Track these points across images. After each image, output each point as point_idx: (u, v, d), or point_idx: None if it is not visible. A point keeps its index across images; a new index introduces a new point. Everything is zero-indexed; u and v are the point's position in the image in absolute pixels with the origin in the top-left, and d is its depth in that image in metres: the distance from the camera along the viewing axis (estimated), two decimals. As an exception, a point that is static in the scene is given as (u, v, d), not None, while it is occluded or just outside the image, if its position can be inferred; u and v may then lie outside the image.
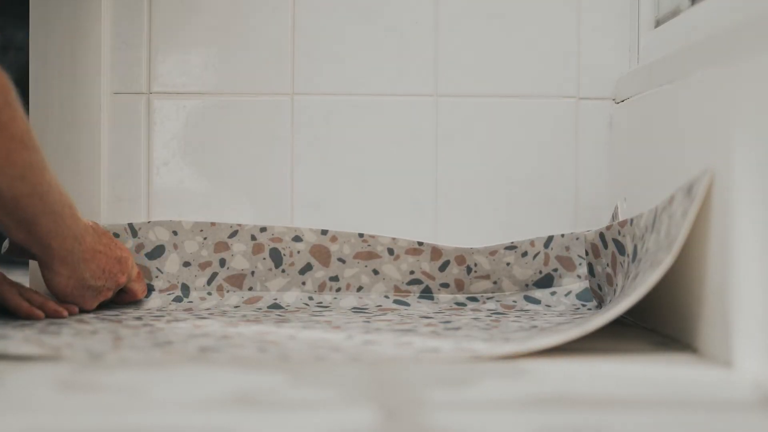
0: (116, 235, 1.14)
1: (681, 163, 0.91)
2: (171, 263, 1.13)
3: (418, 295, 1.14)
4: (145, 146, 1.22)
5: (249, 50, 1.22)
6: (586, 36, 1.22)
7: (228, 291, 1.14)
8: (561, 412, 0.63)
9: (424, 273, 1.13)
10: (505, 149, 1.23)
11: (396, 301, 1.14)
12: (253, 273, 1.12)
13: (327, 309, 1.12)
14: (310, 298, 1.15)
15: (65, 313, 1.04)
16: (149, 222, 1.10)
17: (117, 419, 0.62)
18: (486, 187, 1.23)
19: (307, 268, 1.11)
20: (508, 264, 1.14)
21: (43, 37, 1.18)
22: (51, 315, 1.03)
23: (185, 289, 1.14)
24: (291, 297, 1.15)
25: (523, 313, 1.09)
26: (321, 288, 1.14)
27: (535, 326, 0.97)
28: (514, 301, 1.15)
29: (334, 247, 1.10)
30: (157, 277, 1.14)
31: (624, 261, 0.98)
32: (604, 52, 1.22)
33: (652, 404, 0.66)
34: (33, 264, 1.15)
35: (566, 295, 1.15)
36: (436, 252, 1.12)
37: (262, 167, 1.22)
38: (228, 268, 1.13)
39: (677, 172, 0.91)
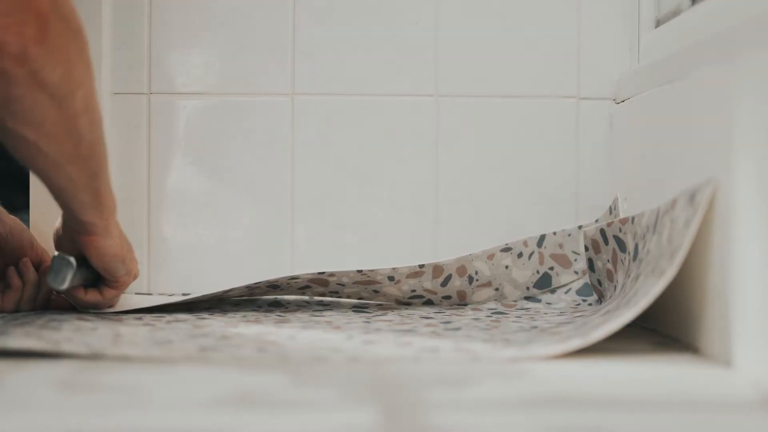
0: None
1: (681, 164, 0.91)
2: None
3: (418, 306, 1.14)
4: (145, 146, 1.22)
5: (249, 50, 1.22)
6: (587, 36, 1.22)
7: (229, 299, 1.14)
8: (561, 412, 0.63)
9: (426, 290, 1.12)
10: (506, 149, 1.23)
11: (396, 301, 1.14)
12: (251, 294, 1.13)
13: (327, 308, 1.12)
14: (311, 297, 1.15)
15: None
16: (135, 309, 1.09)
17: (117, 419, 0.62)
18: (486, 187, 1.23)
19: (306, 287, 1.11)
20: (507, 267, 1.14)
21: (44, 37, 1.18)
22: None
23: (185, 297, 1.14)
24: (291, 296, 1.15)
25: (523, 312, 1.09)
26: (321, 297, 1.14)
27: (535, 327, 0.97)
28: (515, 300, 1.14)
29: (332, 279, 1.09)
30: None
31: (625, 258, 0.98)
32: (605, 52, 1.22)
33: (653, 404, 0.66)
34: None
35: (566, 292, 1.15)
36: (437, 269, 1.11)
37: (263, 167, 1.22)
38: (226, 298, 1.13)
39: (678, 172, 0.91)
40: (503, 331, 0.94)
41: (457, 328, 0.96)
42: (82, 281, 1.03)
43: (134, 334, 0.91)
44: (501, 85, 1.23)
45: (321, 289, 1.12)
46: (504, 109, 1.23)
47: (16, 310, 1.06)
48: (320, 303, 1.15)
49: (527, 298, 1.15)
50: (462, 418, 0.62)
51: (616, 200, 1.16)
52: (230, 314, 1.07)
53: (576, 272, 1.15)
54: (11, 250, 1.07)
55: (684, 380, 0.74)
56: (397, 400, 0.67)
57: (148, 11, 1.22)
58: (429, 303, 1.14)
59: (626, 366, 0.79)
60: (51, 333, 0.89)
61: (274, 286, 1.10)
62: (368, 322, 1.01)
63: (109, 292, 1.05)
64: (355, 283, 1.10)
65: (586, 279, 1.15)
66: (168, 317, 1.04)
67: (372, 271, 1.09)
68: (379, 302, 1.15)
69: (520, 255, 1.15)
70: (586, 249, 1.08)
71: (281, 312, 1.09)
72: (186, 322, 1.00)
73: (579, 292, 1.15)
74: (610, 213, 1.16)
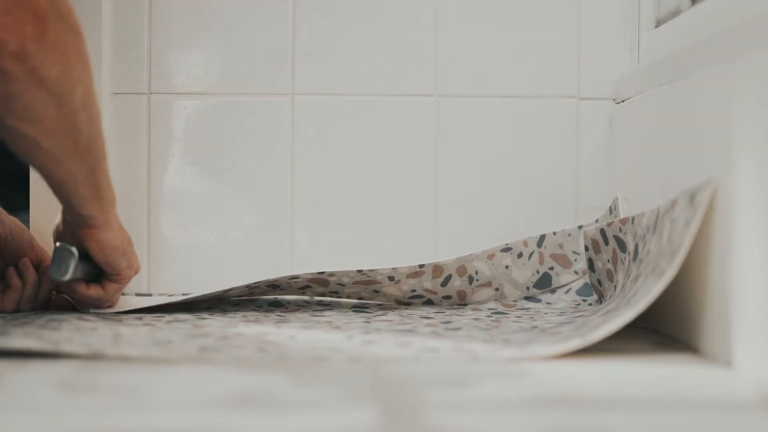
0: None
1: (681, 164, 0.91)
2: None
3: (418, 306, 1.14)
4: (145, 146, 1.22)
5: (249, 50, 1.22)
6: (587, 36, 1.22)
7: (229, 299, 1.14)
8: (561, 413, 0.63)
9: (426, 290, 1.12)
10: (506, 149, 1.23)
11: (397, 301, 1.14)
12: (251, 294, 1.12)
13: (327, 308, 1.12)
14: (311, 297, 1.15)
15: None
16: (135, 309, 1.09)
17: (117, 419, 0.62)
18: (486, 187, 1.23)
19: (306, 287, 1.11)
20: (507, 267, 1.14)
21: (44, 37, 1.18)
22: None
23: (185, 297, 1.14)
24: (291, 296, 1.15)
25: (523, 312, 1.09)
26: (321, 297, 1.14)
27: (535, 327, 0.97)
28: (515, 300, 1.14)
29: (332, 279, 1.09)
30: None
31: (625, 258, 0.98)
32: (605, 52, 1.22)
33: (653, 404, 0.66)
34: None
35: (566, 292, 1.15)
36: (437, 270, 1.11)
37: (263, 167, 1.22)
38: (226, 298, 1.13)
39: (678, 172, 0.91)
40: (503, 331, 0.94)
41: (457, 328, 0.96)
42: (83, 275, 1.03)
43: (134, 334, 0.91)
44: (501, 85, 1.23)
45: (321, 289, 1.12)
46: (504, 109, 1.23)
47: (16, 311, 1.06)
48: (320, 303, 1.15)
49: (527, 298, 1.15)
50: (462, 418, 0.62)
51: (616, 200, 1.16)
52: (230, 314, 1.07)
53: (576, 272, 1.15)
54: (11, 250, 1.07)
55: (684, 380, 0.74)
56: (397, 400, 0.67)
57: (148, 11, 1.22)
58: (429, 303, 1.14)
59: (626, 366, 0.79)
60: (51, 333, 0.89)
61: (274, 286, 1.10)
62: (368, 322, 1.01)
63: (111, 287, 1.05)
64: (356, 283, 1.10)
65: (586, 279, 1.15)
66: (168, 317, 1.04)
67: (372, 271, 1.08)
68: (379, 302, 1.15)
69: (520, 255, 1.15)
70: (586, 249, 1.08)
71: (281, 312, 1.09)
72: (186, 322, 1.00)
73: (579, 292, 1.15)
74: (610, 213, 1.16)
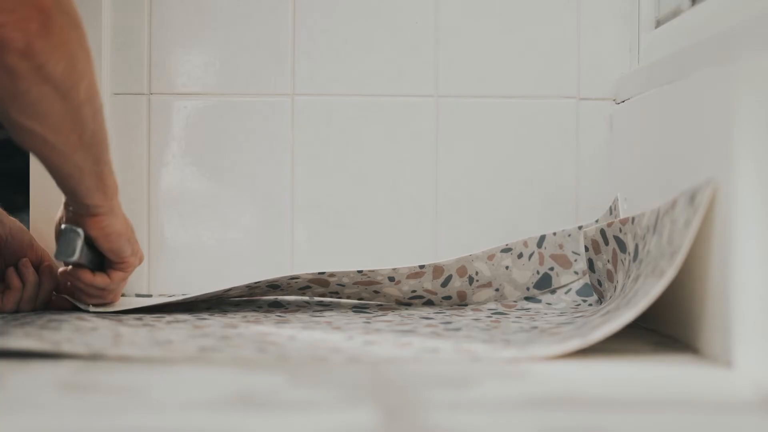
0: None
1: (681, 164, 0.91)
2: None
3: (418, 306, 1.14)
4: (145, 146, 1.22)
5: (249, 50, 1.22)
6: (586, 36, 1.22)
7: (229, 299, 1.14)
8: (561, 413, 0.63)
9: (426, 290, 1.12)
10: (506, 149, 1.23)
11: (397, 302, 1.14)
12: (251, 294, 1.12)
13: (327, 309, 1.12)
14: (312, 297, 1.15)
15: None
16: (134, 308, 1.09)
17: (117, 419, 0.62)
18: (486, 188, 1.23)
19: (306, 287, 1.11)
20: (507, 267, 1.14)
21: (44, 37, 1.18)
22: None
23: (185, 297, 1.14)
24: (291, 297, 1.15)
25: (523, 312, 1.09)
26: (321, 298, 1.14)
27: (535, 327, 0.97)
28: (515, 300, 1.14)
29: (332, 279, 1.09)
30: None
31: (625, 259, 0.98)
32: (605, 52, 1.22)
33: (653, 404, 0.66)
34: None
35: (566, 292, 1.15)
36: (437, 270, 1.11)
37: (263, 167, 1.22)
38: (226, 298, 1.13)
39: (678, 172, 0.91)
40: (503, 332, 0.94)
41: (457, 329, 0.96)
42: (88, 262, 1.04)
43: (134, 334, 0.91)
44: (501, 85, 1.23)
45: (321, 290, 1.12)
46: (504, 109, 1.23)
47: (17, 311, 1.06)
48: (320, 303, 1.15)
49: (527, 299, 1.15)
50: (462, 418, 0.62)
51: (616, 200, 1.16)
52: (230, 314, 1.07)
53: (576, 272, 1.15)
54: (11, 251, 1.07)
55: (684, 380, 0.74)
56: (397, 400, 0.67)
57: (148, 11, 1.22)
58: (429, 303, 1.14)
59: (626, 366, 0.79)
60: (51, 333, 0.89)
61: (274, 286, 1.10)
62: (368, 322, 1.01)
63: (116, 275, 1.06)
64: (356, 283, 1.10)
65: (586, 279, 1.15)
66: (168, 317, 1.04)
67: (372, 271, 1.08)
68: (379, 303, 1.15)
69: (520, 255, 1.15)
70: (586, 249, 1.08)
71: (281, 312, 1.09)
72: (186, 322, 1.00)
73: (579, 293, 1.15)
74: (610, 213, 1.16)
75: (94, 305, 1.09)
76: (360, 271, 1.08)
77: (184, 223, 1.23)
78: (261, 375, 0.74)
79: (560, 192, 1.22)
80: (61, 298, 1.09)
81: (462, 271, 1.12)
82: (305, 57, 1.22)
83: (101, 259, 1.05)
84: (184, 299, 1.09)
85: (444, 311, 1.10)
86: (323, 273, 1.08)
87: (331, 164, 1.22)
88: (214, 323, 0.99)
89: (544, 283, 1.15)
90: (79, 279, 1.05)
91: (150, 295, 1.22)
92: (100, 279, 1.05)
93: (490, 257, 1.13)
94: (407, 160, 1.23)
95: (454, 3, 1.22)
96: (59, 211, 1.04)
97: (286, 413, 0.63)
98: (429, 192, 1.23)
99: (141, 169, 1.22)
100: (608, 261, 1.03)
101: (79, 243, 1.00)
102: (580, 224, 1.17)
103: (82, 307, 1.08)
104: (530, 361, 0.79)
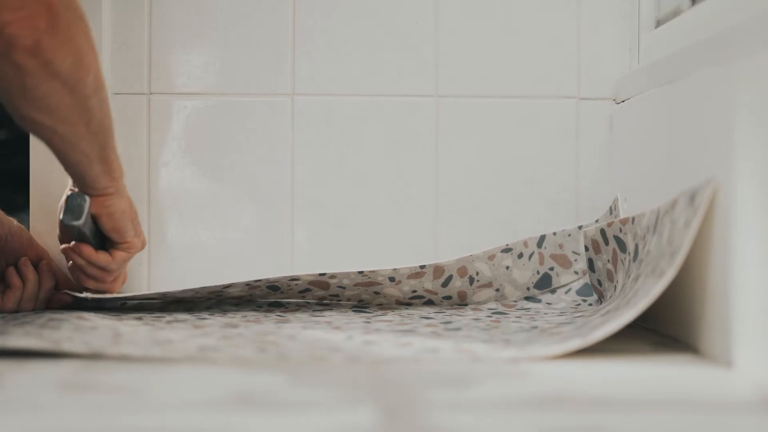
0: (100, 300, 1.11)
1: (681, 164, 0.91)
2: (166, 300, 1.12)
3: (418, 306, 1.14)
4: (145, 146, 1.22)
5: (249, 50, 1.22)
6: (586, 36, 1.22)
7: (229, 298, 1.13)
8: (561, 413, 0.63)
9: (426, 290, 1.12)
10: (506, 149, 1.23)
11: (397, 302, 1.14)
12: (251, 296, 1.12)
13: (327, 308, 1.12)
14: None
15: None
16: (133, 294, 1.09)
17: (117, 419, 0.62)
18: (486, 188, 1.23)
19: (306, 290, 1.11)
20: (507, 268, 1.14)
21: (44, 37, 1.18)
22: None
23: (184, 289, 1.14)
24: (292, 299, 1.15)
25: (523, 312, 1.09)
26: (321, 300, 1.14)
27: (535, 327, 0.97)
28: (515, 301, 1.14)
29: (333, 281, 1.09)
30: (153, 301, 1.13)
31: (625, 258, 0.98)
32: (605, 52, 1.22)
33: (653, 404, 0.66)
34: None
35: (566, 292, 1.15)
36: (438, 270, 1.11)
37: (263, 167, 1.22)
38: (225, 297, 1.12)
39: (678, 172, 0.91)
40: (503, 332, 0.94)
41: (457, 329, 0.96)
42: (92, 237, 1.05)
43: (134, 333, 0.91)
44: (501, 85, 1.23)
45: (321, 293, 1.12)
46: (504, 109, 1.23)
47: (17, 310, 1.07)
48: (320, 303, 1.15)
49: (527, 299, 1.15)
50: (462, 418, 0.62)
51: (616, 200, 1.16)
52: (230, 314, 1.07)
53: (576, 272, 1.15)
54: (11, 250, 1.08)
55: (684, 380, 0.74)
56: (397, 400, 0.67)
57: (148, 11, 1.22)
58: (429, 303, 1.14)
59: (626, 366, 0.79)
60: (51, 332, 0.89)
61: (274, 287, 1.10)
62: (368, 322, 1.01)
63: (118, 254, 1.06)
64: (356, 285, 1.10)
65: (586, 279, 1.15)
66: (168, 317, 1.04)
67: (373, 272, 1.08)
68: (380, 303, 1.15)
69: (520, 255, 1.15)
70: (586, 249, 1.08)
71: (281, 312, 1.09)
72: (186, 321, 1.00)
73: (579, 292, 1.15)
74: (610, 213, 1.16)
75: (93, 292, 1.08)
76: (360, 272, 1.08)
77: (184, 223, 1.23)
78: (261, 375, 0.74)
79: (560, 192, 1.22)
80: (62, 294, 1.09)
81: (462, 271, 1.12)
82: (305, 57, 1.22)
83: (104, 243, 1.07)
84: (183, 291, 1.09)
85: (444, 311, 1.10)
86: (324, 274, 1.08)
87: (331, 164, 1.22)
88: (214, 323, 0.99)
89: (544, 283, 1.15)
90: (81, 254, 1.06)
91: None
92: (102, 257, 1.06)
93: (491, 257, 1.13)
94: (407, 160, 1.23)
95: (454, 3, 1.22)
96: (65, 194, 1.05)
97: (286, 413, 0.63)
98: (429, 192, 1.23)
99: (141, 169, 1.22)
100: (608, 261, 1.03)
101: (86, 207, 1.02)
102: (580, 224, 1.17)
103: (82, 296, 1.08)
104: (530, 361, 0.79)
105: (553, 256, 1.15)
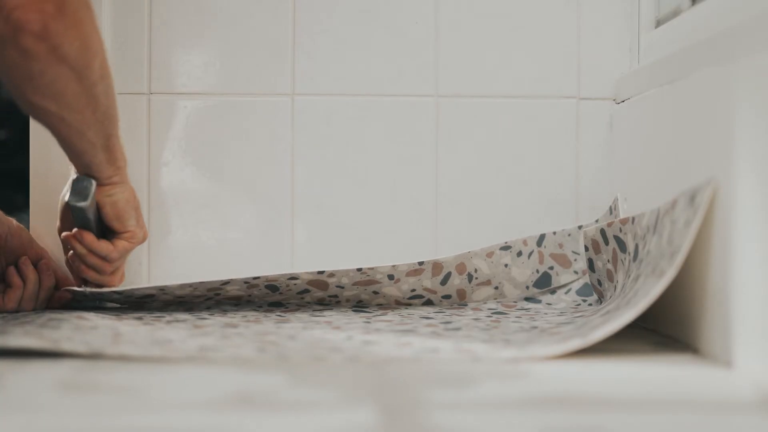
0: (99, 294, 1.11)
1: (681, 164, 0.91)
2: (165, 299, 1.12)
3: (418, 306, 1.14)
4: (145, 146, 1.22)
5: (249, 50, 1.22)
6: (587, 36, 1.22)
7: (227, 291, 1.13)
8: (561, 413, 0.63)
9: (425, 289, 1.12)
10: (506, 149, 1.23)
11: (396, 302, 1.14)
12: (249, 296, 1.12)
13: (327, 308, 1.12)
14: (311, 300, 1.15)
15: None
16: (131, 288, 1.09)
17: (117, 419, 0.62)
18: (486, 188, 1.23)
19: (304, 291, 1.11)
20: (506, 266, 1.14)
21: (44, 37, 1.18)
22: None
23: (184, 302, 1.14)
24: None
25: (524, 312, 1.09)
26: (320, 302, 1.14)
27: (535, 327, 0.97)
28: (515, 301, 1.14)
29: (331, 281, 1.09)
30: (152, 302, 1.13)
31: (625, 258, 0.98)
32: (605, 52, 1.22)
33: (653, 404, 0.66)
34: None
35: (566, 292, 1.15)
36: (437, 267, 1.11)
37: (263, 167, 1.22)
38: (224, 296, 1.12)
39: (678, 172, 0.91)
40: (503, 332, 0.94)
41: (457, 328, 0.96)
42: (94, 225, 1.05)
43: (134, 333, 0.91)
44: (501, 85, 1.23)
45: (320, 294, 1.12)
46: (504, 109, 1.23)
47: (18, 309, 1.07)
48: (320, 303, 1.15)
49: (527, 299, 1.15)
50: (462, 418, 0.62)
51: (616, 200, 1.16)
52: (230, 314, 1.07)
53: (576, 272, 1.15)
54: (11, 249, 1.08)
55: (684, 380, 0.74)
56: (397, 400, 0.67)
57: (148, 11, 1.22)
58: (429, 303, 1.14)
59: (626, 366, 0.79)
60: (51, 332, 0.89)
61: (273, 288, 1.10)
62: (368, 322, 1.01)
63: (120, 244, 1.06)
64: (355, 284, 1.10)
65: (586, 279, 1.15)
66: (168, 317, 1.04)
67: (372, 269, 1.08)
68: (379, 303, 1.14)
69: (519, 254, 1.15)
70: (586, 249, 1.08)
71: (281, 312, 1.09)
72: (186, 322, 1.00)
73: (579, 292, 1.15)
74: (610, 213, 1.16)
75: (92, 285, 1.08)
76: (359, 269, 1.08)
77: (184, 223, 1.23)
78: (261, 375, 0.74)
79: (560, 192, 1.22)
80: (63, 293, 1.09)
81: (461, 268, 1.12)
82: (305, 57, 1.22)
83: (106, 234, 1.07)
84: (180, 285, 1.08)
85: (444, 311, 1.10)
86: (323, 272, 1.08)
87: (331, 164, 1.22)
88: (214, 323, 0.99)
89: (544, 281, 1.15)
90: (83, 241, 1.05)
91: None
92: (104, 245, 1.06)
93: (489, 254, 1.13)
94: (407, 160, 1.23)
95: (454, 3, 1.22)
96: (66, 184, 1.06)
97: (286, 413, 0.63)
98: (429, 192, 1.23)
99: (141, 169, 1.22)
100: (608, 261, 1.03)
101: (92, 189, 1.02)
102: (580, 224, 1.17)
103: (80, 289, 1.08)
104: (530, 361, 0.79)
105: (553, 256, 1.15)
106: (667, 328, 0.92)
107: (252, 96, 1.23)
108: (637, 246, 0.94)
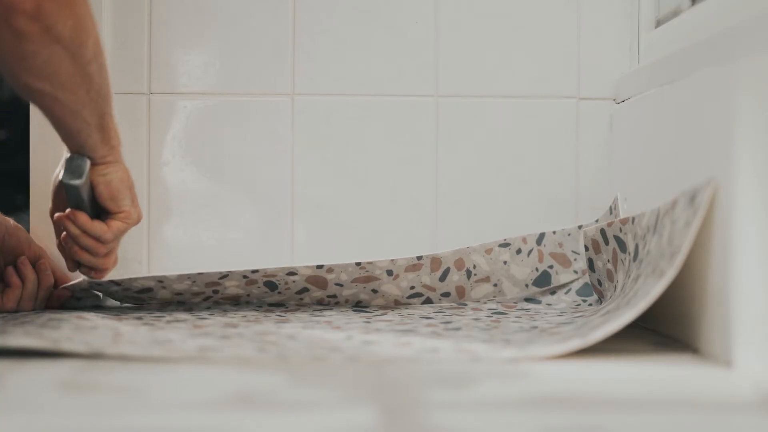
0: (97, 284, 1.11)
1: (681, 164, 0.91)
2: (163, 294, 1.12)
3: (418, 306, 1.14)
4: (145, 146, 1.22)
5: (249, 50, 1.22)
6: (586, 36, 1.22)
7: (228, 303, 1.13)
8: (561, 413, 0.63)
9: (424, 286, 1.12)
10: (506, 149, 1.23)
11: (396, 303, 1.14)
12: (248, 295, 1.12)
13: (327, 308, 1.12)
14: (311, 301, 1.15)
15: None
16: (129, 278, 1.09)
17: (117, 419, 0.62)
18: (486, 188, 1.23)
19: (303, 290, 1.11)
20: (505, 263, 1.14)
21: (44, 37, 1.18)
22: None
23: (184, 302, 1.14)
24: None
25: (524, 312, 1.09)
26: (319, 303, 1.14)
27: (535, 327, 0.97)
28: (515, 302, 1.14)
29: (330, 276, 1.09)
30: (150, 300, 1.13)
31: (625, 258, 0.98)
32: (605, 52, 1.22)
33: (653, 404, 0.66)
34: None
35: (566, 292, 1.15)
36: (435, 262, 1.11)
37: (263, 167, 1.22)
38: (222, 294, 1.12)
39: (678, 172, 0.91)
40: (503, 332, 0.94)
41: (457, 328, 0.96)
42: (89, 205, 1.03)
43: (134, 333, 0.91)
44: (501, 85, 1.23)
45: (319, 293, 1.12)
46: (504, 109, 1.23)
47: (17, 309, 1.07)
48: (320, 303, 1.15)
49: (527, 300, 1.15)
50: (462, 418, 0.62)
51: (616, 200, 1.16)
52: (230, 314, 1.07)
53: (575, 272, 1.15)
54: (10, 248, 1.08)
55: (684, 380, 0.74)
56: (397, 400, 0.67)
57: (148, 11, 1.22)
58: (428, 301, 1.14)
59: (626, 366, 0.79)
60: (51, 332, 0.89)
61: (272, 285, 1.10)
62: (368, 322, 1.01)
63: (114, 224, 1.04)
64: (354, 281, 1.10)
65: (586, 279, 1.15)
66: (168, 317, 1.04)
67: (370, 263, 1.09)
68: (379, 303, 1.14)
69: (519, 251, 1.15)
70: (586, 249, 1.08)
71: (281, 312, 1.09)
72: (186, 321, 1.00)
73: (579, 293, 1.15)
74: (610, 213, 1.16)
75: (86, 268, 1.07)
76: (358, 264, 1.08)
77: (184, 223, 1.23)
78: (261, 375, 0.74)
79: (560, 192, 1.22)
80: (61, 290, 1.09)
81: (460, 264, 1.12)
82: (305, 57, 1.22)
83: (100, 216, 1.04)
84: (179, 276, 1.08)
85: (444, 311, 1.10)
86: (321, 267, 1.08)
87: (331, 164, 1.22)
88: (214, 323, 0.99)
89: (544, 280, 1.15)
90: (76, 221, 1.03)
91: (150, 295, 1.22)
92: (98, 225, 1.03)
93: (488, 251, 1.13)
94: (407, 160, 1.23)
95: (454, 3, 1.22)
96: (60, 164, 1.05)
97: (286, 413, 0.63)
98: (429, 192, 1.23)
99: (141, 169, 1.22)
100: (608, 261, 1.03)
101: (86, 168, 1.00)
102: (580, 224, 1.17)
103: (78, 281, 1.08)
104: (530, 361, 0.79)
105: (553, 255, 1.15)
106: (667, 328, 0.92)
107: (252, 96, 1.23)
108: (637, 246, 0.94)
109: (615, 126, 1.21)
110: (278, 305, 1.13)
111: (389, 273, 1.10)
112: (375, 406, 0.65)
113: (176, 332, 0.93)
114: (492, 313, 1.08)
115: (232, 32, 1.22)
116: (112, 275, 1.10)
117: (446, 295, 1.13)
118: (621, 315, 0.84)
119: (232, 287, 1.10)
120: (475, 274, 1.13)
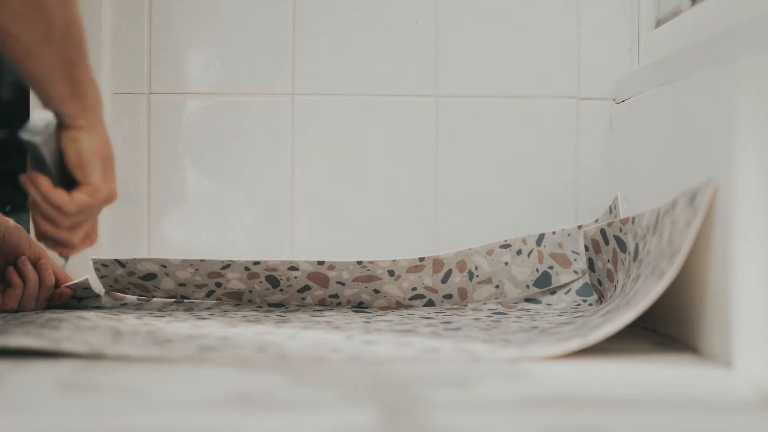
0: (104, 266, 1.10)
1: (682, 164, 0.91)
2: (166, 283, 1.12)
3: (420, 308, 1.14)
4: (145, 146, 1.22)
5: (249, 50, 1.22)
6: (587, 36, 1.22)
7: (227, 304, 1.13)
8: (561, 413, 0.63)
9: (426, 288, 1.12)
10: (506, 149, 1.23)
11: (398, 304, 1.14)
12: (251, 291, 1.12)
13: (328, 308, 1.12)
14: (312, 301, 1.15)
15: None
16: (134, 258, 1.08)
17: (117, 419, 0.62)
18: (486, 188, 1.23)
19: (305, 288, 1.11)
20: (506, 264, 1.14)
21: (44, 37, 1.18)
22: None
23: (185, 298, 1.14)
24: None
25: (524, 312, 1.09)
26: (321, 303, 1.14)
27: (535, 327, 0.97)
28: (515, 302, 1.14)
29: (332, 274, 1.09)
30: (154, 290, 1.13)
31: (625, 258, 0.98)
32: (605, 52, 1.22)
33: (652, 404, 0.66)
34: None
35: (566, 293, 1.15)
36: (437, 263, 1.11)
37: (263, 167, 1.22)
38: (225, 288, 1.12)
39: (678, 172, 0.91)
40: (503, 332, 0.94)
41: (457, 328, 0.96)
42: (54, 171, 0.93)
43: (134, 333, 0.91)
44: (501, 85, 1.23)
45: (321, 292, 1.12)
46: (504, 109, 1.23)
47: (18, 309, 1.07)
48: (321, 303, 1.15)
49: (528, 300, 1.15)
50: (462, 418, 0.62)
51: (616, 200, 1.16)
52: (230, 314, 1.07)
53: (575, 272, 1.15)
54: (10, 248, 1.07)
55: (684, 380, 0.74)
56: (397, 400, 0.67)
57: (148, 11, 1.22)
58: (431, 304, 1.14)
59: (626, 366, 0.79)
60: (51, 332, 0.89)
61: (273, 281, 1.10)
62: (368, 322, 1.01)
63: (78, 197, 0.93)
64: (355, 279, 1.10)
65: (586, 279, 1.15)
66: (168, 317, 1.04)
67: (372, 263, 1.08)
68: (380, 305, 1.14)
69: (519, 252, 1.15)
70: (586, 249, 1.08)
71: (281, 312, 1.09)
72: (186, 321, 1.00)
73: (579, 293, 1.15)
74: (610, 213, 1.16)
75: (51, 243, 0.96)
76: (359, 262, 1.08)
77: (184, 223, 1.23)
78: (261, 375, 0.74)
79: (560, 192, 1.22)
80: (62, 290, 1.09)
81: (461, 265, 1.12)
82: (305, 57, 1.22)
83: (70, 186, 0.94)
84: (183, 261, 1.08)
85: (444, 311, 1.10)
86: (322, 263, 1.08)
87: (331, 164, 1.22)
88: (214, 323, 0.99)
89: (544, 281, 1.15)
90: (36, 184, 0.93)
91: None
92: (59, 194, 0.92)
93: (489, 252, 1.13)
94: (407, 160, 1.23)
95: (454, 3, 1.22)
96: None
97: (286, 413, 0.63)
98: (429, 192, 1.23)
99: (141, 169, 1.22)
100: (608, 261, 1.03)
101: (47, 124, 0.90)
102: (579, 224, 1.17)
103: (80, 281, 1.08)
104: (530, 361, 0.79)
105: (553, 255, 1.15)
106: (667, 328, 0.92)
107: (252, 96, 1.23)
108: (637, 246, 0.94)
109: (615, 126, 1.21)
110: (279, 305, 1.13)
111: (391, 273, 1.10)
112: (375, 406, 0.65)
113: (176, 332, 0.93)
114: (492, 313, 1.08)
115: (232, 32, 1.22)
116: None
117: (448, 297, 1.13)
118: (621, 315, 0.84)
119: (234, 280, 1.10)
120: (477, 276, 1.13)
